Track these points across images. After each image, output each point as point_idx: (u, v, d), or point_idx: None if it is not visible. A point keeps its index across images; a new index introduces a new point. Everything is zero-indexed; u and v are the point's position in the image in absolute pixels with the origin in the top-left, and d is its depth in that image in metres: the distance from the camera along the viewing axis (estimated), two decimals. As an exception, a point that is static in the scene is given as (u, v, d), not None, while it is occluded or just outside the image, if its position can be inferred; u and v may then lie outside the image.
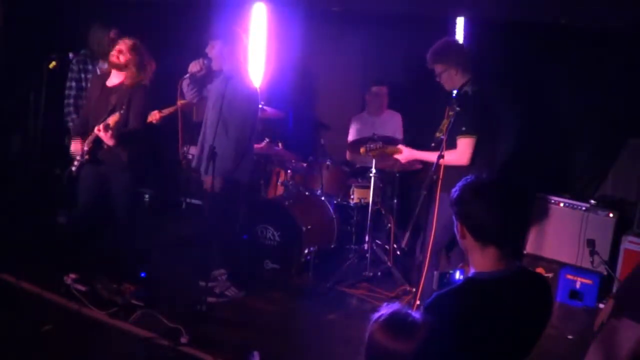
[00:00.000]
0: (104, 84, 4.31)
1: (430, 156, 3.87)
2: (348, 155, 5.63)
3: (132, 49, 4.22)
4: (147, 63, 4.29)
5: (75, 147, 4.28)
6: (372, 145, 4.48)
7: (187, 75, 4.33)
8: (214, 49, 4.31)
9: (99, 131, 4.09)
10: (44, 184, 5.29)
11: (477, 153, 3.63)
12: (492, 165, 3.76)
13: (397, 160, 4.22)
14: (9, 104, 5.60)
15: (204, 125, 4.42)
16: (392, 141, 4.70)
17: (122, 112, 4.08)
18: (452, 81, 3.79)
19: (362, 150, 4.53)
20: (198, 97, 4.48)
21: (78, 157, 4.27)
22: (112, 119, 4.07)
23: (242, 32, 4.55)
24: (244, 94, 4.27)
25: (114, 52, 4.23)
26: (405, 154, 4.05)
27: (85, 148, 4.24)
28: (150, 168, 5.11)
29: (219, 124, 4.18)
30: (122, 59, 4.21)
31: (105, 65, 4.89)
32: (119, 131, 4.11)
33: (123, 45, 4.23)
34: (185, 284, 4.47)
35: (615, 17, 4.32)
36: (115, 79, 4.30)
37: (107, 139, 4.09)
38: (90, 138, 4.21)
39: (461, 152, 3.61)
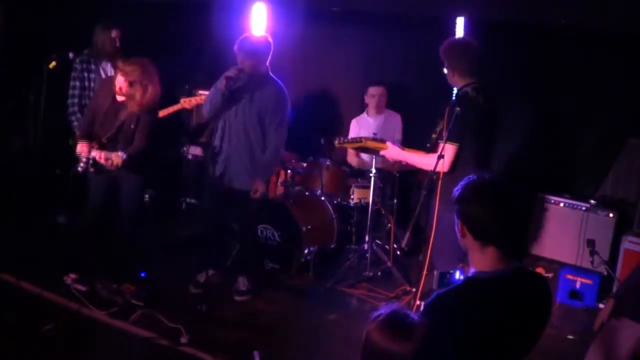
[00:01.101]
0: (114, 96, 4.26)
1: (417, 159, 3.86)
2: (349, 157, 5.65)
3: (131, 85, 4.14)
4: (150, 88, 4.19)
5: (82, 148, 4.25)
6: (344, 138, 4.51)
7: (225, 85, 4.17)
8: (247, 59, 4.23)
9: (100, 159, 4.12)
10: (44, 184, 5.29)
11: (459, 161, 3.60)
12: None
13: (397, 160, 4.21)
14: (9, 104, 5.59)
15: (223, 130, 4.34)
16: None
17: (124, 157, 4.06)
18: (451, 80, 3.79)
19: (336, 143, 4.56)
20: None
21: (84, 159, 4.27)
22: (115, 159, 4.08)
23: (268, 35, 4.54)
24: (285, 96, 4.35)
25: (117, 90, 4.18)
26: (392, 151, 4.01)
27: (90, 159, 4.23)
28: (151, 168, 5.11)
29: (250, 127, 4.26)
30: (124, 90, 4.17)
31: (109, 66, 4.90)
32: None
33: (123, 82, 4.14)
34: (186, 283, 4.48)
35: (615, 17, 4.32)
36: None
37: (109, 166, 4.15)
38: (94, 153, 4.21)
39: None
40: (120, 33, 4.88)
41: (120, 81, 4.16)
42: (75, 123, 4.86)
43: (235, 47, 4.22)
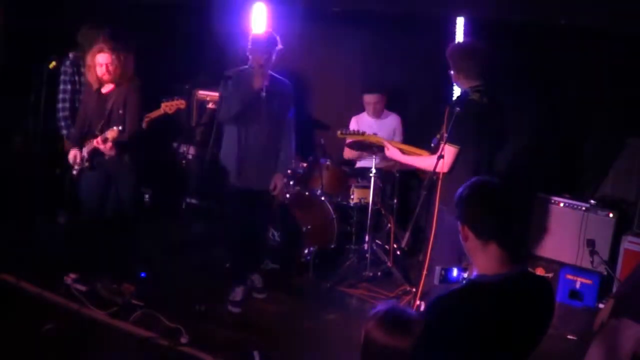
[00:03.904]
0: (99, 92, 4.32)
1: (417, 161, 3.88)
2: (345, 153, 5.63)
3: (114, 62, 4.20)
4: (126, 61, 4.26)
5: (74, 155, 4.30)
6: (347, 130, 4.53)
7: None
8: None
9: (98, 144, 4.15)
10: (44, 184, 5.29)
11: (459, 162, 3.60)
12: (485, 174, 3.70)
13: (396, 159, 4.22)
14: (9, 104, 5.59)
15: (239, 132, 4.22)
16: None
17: (120, 128, 4.10)
18: (457, 81, 3.80)
19: (338, 133, 4.58)
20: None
21: (77, 165, 4.30)
22: (110, 134, 4.11)
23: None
24: (291, 93, 4.39)
25: (103, 70, 4.20)
26: (391, 153, 4.04)
27: (85, 156, 4.27)
28: (150, 168, 5.11)
29: (271, 127, 4.27)
30: (111, 67, 4.20)
31: None
32: (118, 140, 4.15)
33: (108, 57, 4.19)
34: (185, 284, 4.48)
35: (615, 17, 4.31)
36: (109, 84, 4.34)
37: (107, 150, 4.17)
38: (89, 147, 4.24)
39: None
40: (109, 34, 4.83)
41: (103, 59, 4.18)
42: (65, 131, 4.83)
43: (253, 46, 4.14)
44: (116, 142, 4.14)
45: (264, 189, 4.34)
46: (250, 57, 4.17)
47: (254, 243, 4.55)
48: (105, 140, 4.11)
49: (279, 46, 4.18)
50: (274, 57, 4.17)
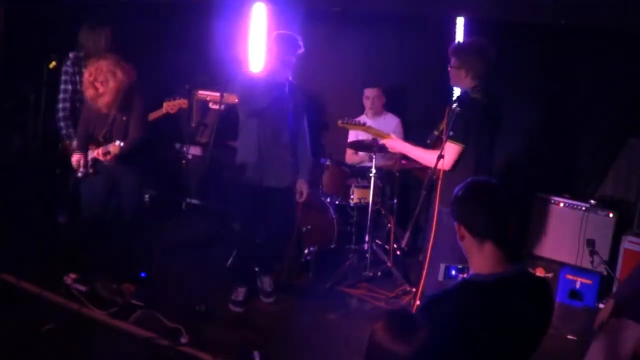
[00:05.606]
0: None
1: (419, 153, 3.86)
2: (347, 157, 5.64)
3: (114, 86, 4.19)
4: (124, 73, 4.24)
5: (77, 160, 4.31)
6: (348, 119, 4.53)
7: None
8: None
9: (98, 155, 4.16)
10: (44, 184, 5.30)
11: (462, 162, 3.60)
12: (486, 174, 3.69)
13: (396, 159, 4.22)
14: (9, 104, 5.60)
15: (258, 131, 4.22)
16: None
17: (121, 144, 4.11)
18: (459, 80, 3.73)
19: (339, 123, 4.57)
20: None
21: (82, 169, 4.31)
22: (112, 149, 4.12)
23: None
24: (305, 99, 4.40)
25: (102, 100, 4.20)
26: (394, 142, 4.03)
27: (89, 162, 4.28)
28: (150, 168, 5.10)
29: (287, 127, 4.27)
30: (106, 100, 4.21)
31: None
32: (119, 154, 4.17)
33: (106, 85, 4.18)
34: (186, 284, 4.48)
35: (614, 17, 4.31)
36: None
37: (107, 161, 4.19)
38: (91, 154, 4.26)
39: (445, 157, 3.55)
40: (111, 33, 4.83)
41: (103, 86, 4.17)
42: (65, 131, 4.83)
43: (282, 43, 4.20)
44: (117, 157, 4.17)
45: (281, 187, 4.31)
46: (270, 57, 4.23)
47: (272, 242, 4.53)
48: (106, 154, 4.13)
49: (301, 50, 4.24)
50: (295, 59, 4.20)
